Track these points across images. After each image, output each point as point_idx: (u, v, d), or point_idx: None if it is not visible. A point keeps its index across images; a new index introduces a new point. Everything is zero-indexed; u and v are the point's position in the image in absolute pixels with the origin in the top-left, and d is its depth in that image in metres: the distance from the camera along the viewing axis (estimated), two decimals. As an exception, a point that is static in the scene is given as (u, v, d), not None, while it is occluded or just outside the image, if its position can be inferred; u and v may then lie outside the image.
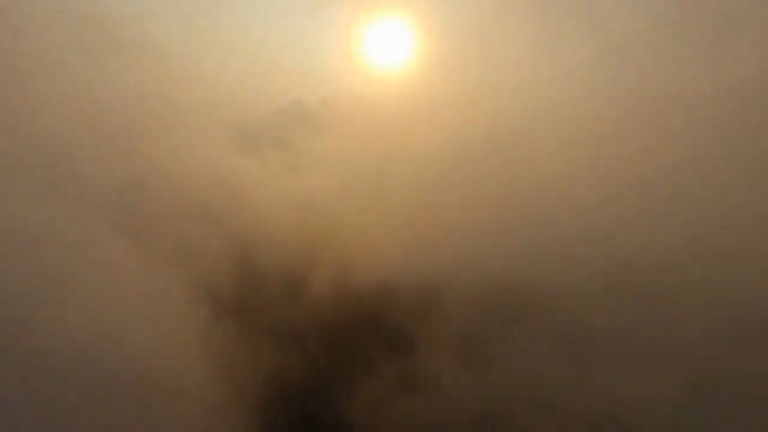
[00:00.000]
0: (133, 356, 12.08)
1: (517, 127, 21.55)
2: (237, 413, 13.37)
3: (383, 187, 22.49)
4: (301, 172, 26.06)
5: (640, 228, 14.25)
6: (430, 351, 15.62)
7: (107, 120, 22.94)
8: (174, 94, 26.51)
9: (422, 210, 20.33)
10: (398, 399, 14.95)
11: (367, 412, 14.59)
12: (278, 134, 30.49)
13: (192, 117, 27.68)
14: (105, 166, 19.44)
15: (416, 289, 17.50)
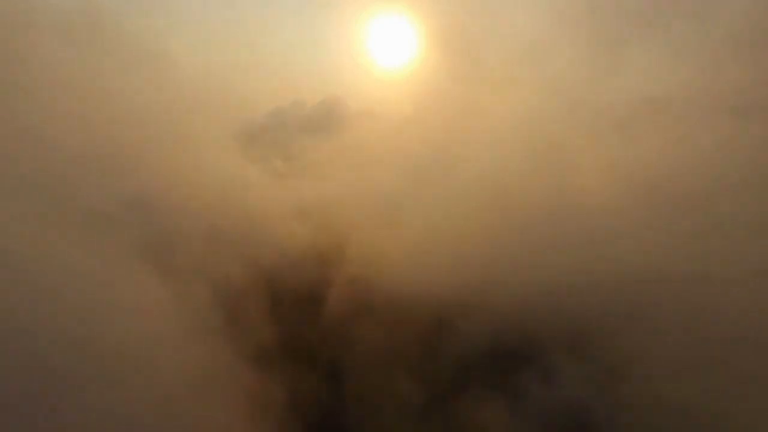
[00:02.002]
0: (152, 375, 11.57)
1: (539, 131, 20.65)
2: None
3: (395, 198, 21.70)
4: (310, 180, 25.23)
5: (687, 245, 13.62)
6: (455, 378, 14.92)
7: (111, 130, 22.09)
8: (179, 103, 25.60)
9: (440, 220, 19.53)
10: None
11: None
12: (285, 140, 29.62)
13: (198, 124, 26.79)
14: (112, 180, 18.63)
15: (433, 306, 16.67)
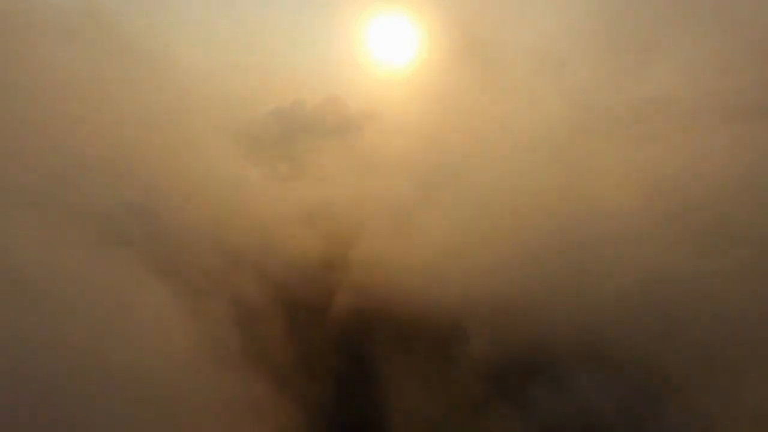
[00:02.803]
0: (163, 381, 11.43)
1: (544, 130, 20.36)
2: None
3: (403, 202, 21.40)
4: (314, 183, 24.96)
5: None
6: (465, 386, 14.64)
7: (111, 131, 21.89)
8: (179, 103, 25.39)
9: (451, 226, 19.23)
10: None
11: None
12: (288, 142, 29.36)
13: (198, 124, 26.57)
14: (113, 181, 18.42)
15: (449, 315, 16.31)
